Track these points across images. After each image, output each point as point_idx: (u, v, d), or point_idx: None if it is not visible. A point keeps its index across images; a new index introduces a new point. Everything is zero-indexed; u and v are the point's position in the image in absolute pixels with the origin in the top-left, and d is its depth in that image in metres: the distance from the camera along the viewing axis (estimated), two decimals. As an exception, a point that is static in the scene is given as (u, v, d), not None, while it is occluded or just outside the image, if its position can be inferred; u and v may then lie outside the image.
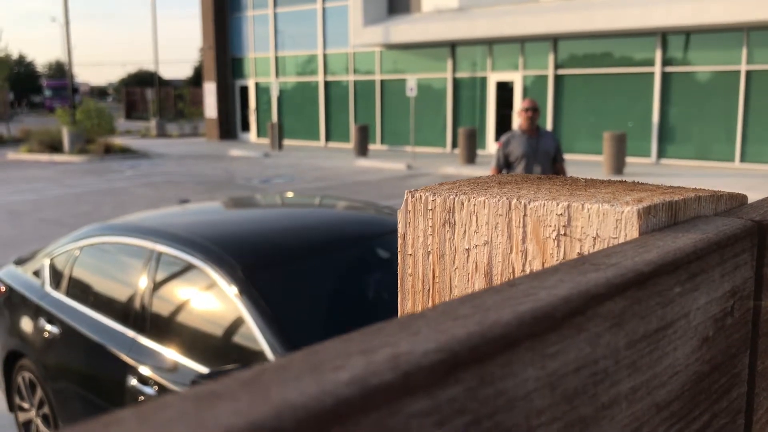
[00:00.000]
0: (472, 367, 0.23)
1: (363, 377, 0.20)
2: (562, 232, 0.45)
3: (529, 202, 0.46)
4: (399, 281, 0.54)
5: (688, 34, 15.86)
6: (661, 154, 16.54)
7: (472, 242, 0.49)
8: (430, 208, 0.51)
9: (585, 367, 0.30)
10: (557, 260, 0.46)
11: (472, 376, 0.23)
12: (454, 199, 0.50)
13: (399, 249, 0.53)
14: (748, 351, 0.47)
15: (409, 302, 0.53)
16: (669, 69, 16.24)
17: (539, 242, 0.46)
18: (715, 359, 0.43)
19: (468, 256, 0.49)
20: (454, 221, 0.50)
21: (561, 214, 0.45)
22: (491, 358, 0.24)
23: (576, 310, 0.29)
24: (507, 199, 0.47)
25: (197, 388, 0.19)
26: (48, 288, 3.95)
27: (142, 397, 3.02)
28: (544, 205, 0.46)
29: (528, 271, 0.47)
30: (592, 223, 0.44)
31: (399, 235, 0.53)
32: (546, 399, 0.28)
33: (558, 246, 0.46)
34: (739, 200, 0.54)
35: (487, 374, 0.24)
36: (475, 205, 0.49)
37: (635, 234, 0.43)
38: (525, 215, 0.47)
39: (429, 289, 0.52)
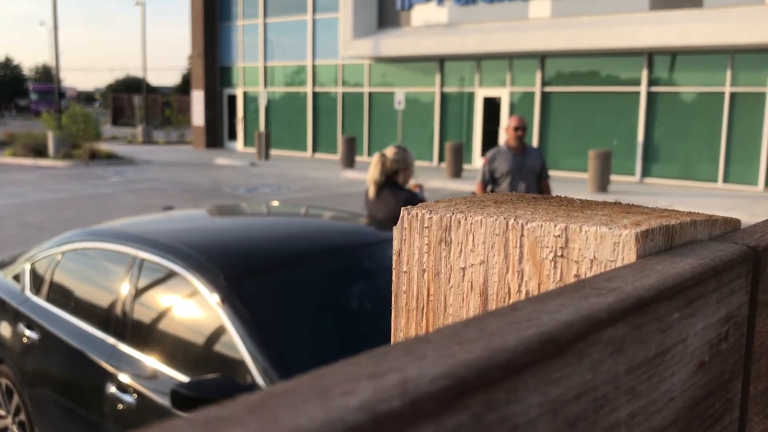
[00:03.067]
0: (479, 393, 0.23)
1: (372, 403, 0.20)
2: (559, 253, 0.45)
3: (527, 223, 0.46)
4: (393, 298, 0.53)
5: (674, 55, 16.06)
6: (646, 173, 16.69)
7: (468, 261, 0.49)
8: (426, 225, 0.51)
9: (586, 393, 0.30)
10: (554, 281, 0.46)
11: (478, 402, 0.23)
12: (451, 217, 0.49)
13: (394, 266, 0.53)
14: (741, 376, 0.48)
15: (402, 319, 0.53)
16: (654, 89, 16.43)
17: (536, 263, 0.46)
18: (709, 384, 0.43)
19: (464, 274, 0.49)
20: (451, 239, 0.49)
21: (558, 236, 0.45)
22: (497, 384, 0.24)
23: (579, 335, 0.29)
24: (504, 219, 0.47)
25: (204, 412, 0.19)
26: (28, 293, 3.90)
27: (120, 405, 2.98)
28: (541, 226, 0.46)
29: (524, 291, 0.47)
30: (590, 246, 0.44)
31: (394, 251, 0.53)
32: (549, 425, 0.27)
33: (555, 267, 0.46)
34: (733, 225, 0.54)
35: (493, 400, 0.24)
36: (471, 224, 0.48)
37: (633, 258, 0.43)
38: (522, 235, 0.46)
39: (423, 307, 0.52)
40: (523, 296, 0.47)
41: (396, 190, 4.54)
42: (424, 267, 0.51)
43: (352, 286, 3.41)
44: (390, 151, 4.63)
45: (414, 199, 4.57)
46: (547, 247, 0.46)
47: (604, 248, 0.44)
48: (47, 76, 72.79)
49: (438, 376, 0.22)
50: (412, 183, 5.32)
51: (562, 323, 0.29)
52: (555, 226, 0.45)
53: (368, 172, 4.64)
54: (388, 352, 0.24)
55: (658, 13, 15.79)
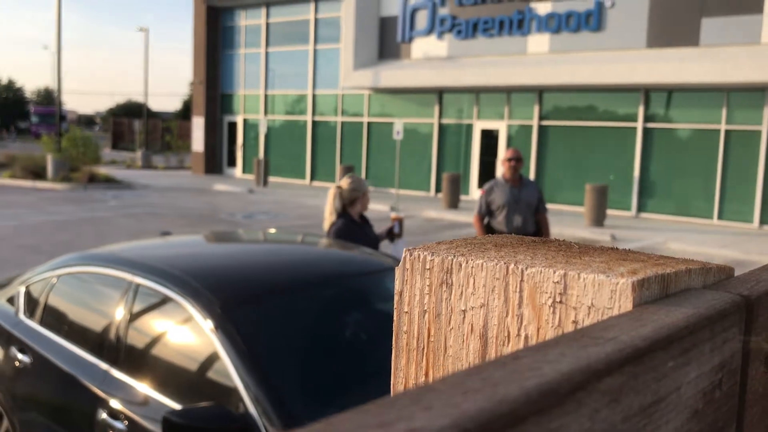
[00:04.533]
0: None
1: (382, 453, 0.21)
2: (558, 299, 0.46)
3: (527, 268, 0.47)
4: (394, 338, 0.54)
5: (670, 92, 16.24)
6: (641, 208, 16.76)
7: (468, 304, 0.50)
8: (428, 267, 0.52)
9: None
10: (552, 326, 0.47)
11: (481, 453, 0.24)
12: (452, 260, 0.50)
13: (395, 306, 0.54)
14: (734, 423, 0.48)
15: (402, 359, 0.54)
16: (651, 125, 16.57)
17: (535, 308, 0.47)
18: None
19: (464, 317, 0.50)
20: (452, 282, 0.51)
21: (557, 282, 0.46)
22: None
23: (578, 385, 0.30)
24: (504, 263, 0.48)
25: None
26: (22, 316, 3.88)
27: (111, 432, 2.95)
28: (541, 272, 0.47)
29: (523, 335, 0.48)
30: (588, 293, 0.45)
31: (396, 291, 0.54)
32: (548, 473, 0.28)
33: (553, 313, 0.47)
34: (726, 273, 0.55)
35: (496, 450, 0.25)
36: (473, 267, 0.50)
37: (629, 305, 0.44)
38: (522, 280, 0.48)
39: (423, 348, 0.52)
40: (522, 340, 0.48)
41: (341, 219, 4.66)
42: (425, 308, 0.52)
43: (346, 315, 3.40)
44: (345, 182, 4.75)
45: (340, 228, 4.62)
46: (546, 293, 0.47)
47: (601, 296, 0.45)
48: (49, 99, 73.14)
49: (444, 426, 0.23)
50: (392, 215, 5.39)
51: (562, 373, 0.30)
52: (554, 272, 0.46)
53: (326, 206, 4.76)
54: (396, 400, 0.25)
55: (654, 51, 16.00)
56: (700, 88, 15.53)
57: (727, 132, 15.52)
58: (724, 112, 15.49)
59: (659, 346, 0.37)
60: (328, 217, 4.75)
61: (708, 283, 0.52)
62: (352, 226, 4.67)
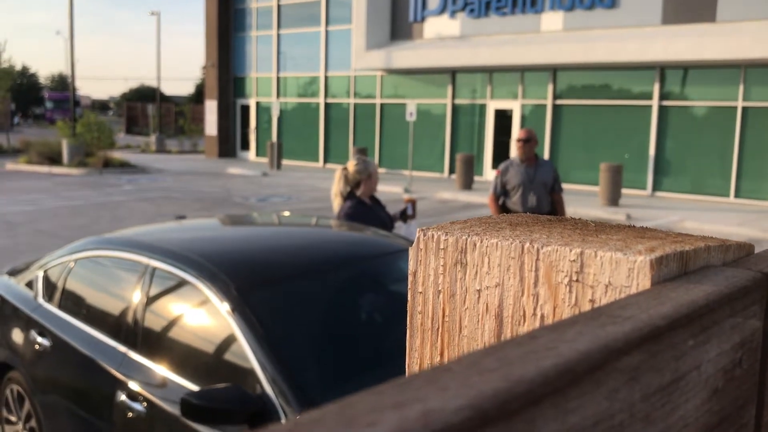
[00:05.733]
0: (499, 424, 0.24)
1: (397, 434, 0.20)
2: (575, 278, 0.46)
3: (542, 247, 0.47)
4: (408, 318, 0.54)
5: (685, 69, 16.03)
6: (657, 186, 16.63)
7: (483, 283, 0.49)
8: (442, 247, 0.51)
9: (602, 421, 0.31)
10: (569, 305, 0.46)
11: (498, 433, 0.24)
12: (467, 239, 0.50)
13: (409, 286, 0.54)
14: (755, 402, 0.48)
15: (417, 340, 0.54)
16: (666, 103, 16.39)
17: (551, 287, 0.47)
18: (723, 410, 0.43)
19: (479, 297, 0.50)
20: (466, 262, 0.50)
21: (574, 260, 0.46)
22: (517, 414, 0.25)
23: (595, 365, 0.30)
24: (520, 242, 0.48)
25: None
26: (41, 300, 3.93)
27: (130, 413, 2.99)
28: (557, 251, 0.46)
29: (539, 315, 0.47)
30: (605, 271, 0.44)
31: (410, 272, 0.54)
32: (566, 453, 0.28)
33: (570, 292, 0.46)
34: (746, 250, 0.54)
35: (513, 430, 0.24)
36: (487, 246, 0.49)
37: (647, 284, 0.43)
38: (537, 259, 0.47)
39: (438, 328, 0.52)
40: (538, 320, 0.47)
41: (350, 201, 4.67)
42: (440, 288, 0.52)
43: (361, 297, 3.42)
44: (351, 164, 4.76)
45: (349, 210, 4.63)
46: (563, 272, 0.46)
47: (619, 274, 0.44)
48: (63, 84, 73.50)
49: (460, 407, 0.23)
50: (405, 197, 5.38)
51: (579, 353, 0.29)
52: (570, 250, 0.46)
53: (332, 188, 4.79)
54: (411, 381, 0.25)
55: (670, 27, 15.78)
56: (717, 64, 15.32)
57: (744, 109, 15.31)
58: (741, 88, 15.28)
59: (679, 324, 0.37)
60: (335, 199, 4.78)
61: (728, 261, 0.52)
62: (361, 207, 4.67)
